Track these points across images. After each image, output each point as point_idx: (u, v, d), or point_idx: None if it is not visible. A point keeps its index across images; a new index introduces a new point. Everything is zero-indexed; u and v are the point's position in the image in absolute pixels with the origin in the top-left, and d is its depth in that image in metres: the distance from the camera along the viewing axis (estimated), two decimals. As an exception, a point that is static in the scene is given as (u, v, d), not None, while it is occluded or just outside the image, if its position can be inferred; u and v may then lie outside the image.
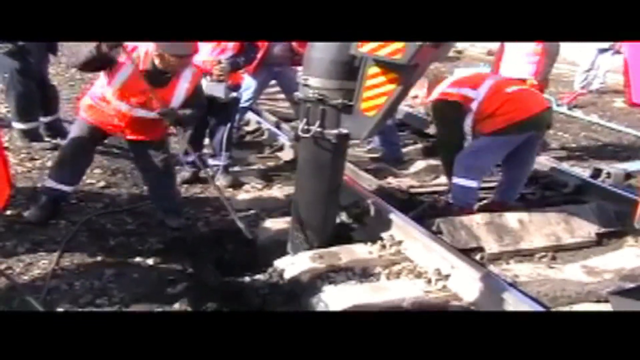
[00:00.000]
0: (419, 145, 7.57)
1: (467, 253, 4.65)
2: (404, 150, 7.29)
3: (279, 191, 5.84)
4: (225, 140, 5.87)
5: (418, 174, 6.59)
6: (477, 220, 4.97)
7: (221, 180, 5.97)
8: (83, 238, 4.34)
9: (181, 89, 4.49)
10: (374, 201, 5.10)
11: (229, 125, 5.90)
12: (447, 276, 4.16)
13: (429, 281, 4.14)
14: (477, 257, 4.78)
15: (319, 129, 4.11)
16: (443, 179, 6.19)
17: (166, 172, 4.79)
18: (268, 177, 6.26)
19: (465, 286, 4.04)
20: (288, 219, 4.76)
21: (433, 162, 6.76)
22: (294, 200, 4.62)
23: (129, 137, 4.63)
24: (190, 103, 4.61)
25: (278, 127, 7.87)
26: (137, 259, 4.20)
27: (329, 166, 4.33)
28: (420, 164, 6.76)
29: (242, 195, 5.70)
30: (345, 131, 4.14)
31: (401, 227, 4.72)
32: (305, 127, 4.14)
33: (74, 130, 4.63)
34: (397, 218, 4.80)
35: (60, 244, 4.16)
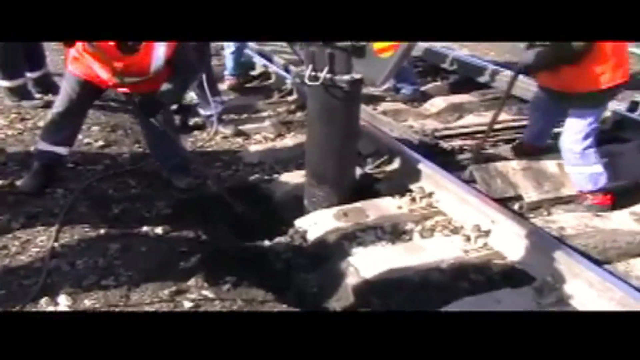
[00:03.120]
0: (438, 83, 7.13)
1: (505, 203, 4.27)
2: (422, 88, 6.83)
3: (292, 140, 5.42)
4: (206, 86, 5.40)
5: (440, 115, 6.15)
6: (513, 166, 4.56)
7: (222, 130, 5.58)
8: (83, 208, 3.90)
9: (158, 52, 3.96)
10: (398, 148, 4.67)
11: (206, 68, 5.45)
12: (487, 232, 3.77)
13: (468, 238, 3.76)
14: (516, 206, 4.40)
15: (328, 75, 3.69)
16: (468, 120, 5.76)
17: (168, 125, 4.34)
18: (279, 125, 5.80)
19: (508, 243, 3.66)
20: (304, 172, 4.35)
21: (454, 100, 6.34)
22: (307, 154, 4.23)
23: (121, 90, 4.16)
24: (175, 64, 4.12)
25: (286, 69, 7.33)
26: (144, 228, 3.77)
27: (342, 115, 3.92)
28: (440, 103, 6.30)
29: (253, 147, 5.27)
30: (358, 76, 3.73)
31: (431, 176, 4.33)
32: (312, 73, 3.73)
33: (63, 85, 4.17)
34: (425, 167, 4.40)
35: (58, 216, 3.73)
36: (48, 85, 5.73)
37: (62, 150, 4.19)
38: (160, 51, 3.93)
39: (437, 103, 6.30)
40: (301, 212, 4.24)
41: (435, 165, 4.46)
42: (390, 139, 4.93)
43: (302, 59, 4.00)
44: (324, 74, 3.67)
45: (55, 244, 3.47)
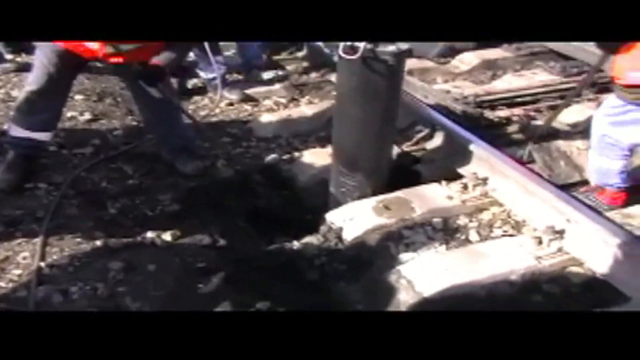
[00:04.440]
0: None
1: (567, 189, 3.66)
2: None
3: (308, 107, 4.70)
4: (207, 45, 4.49)
5: (471, 73, 5.44)
6: (578, 146, 3.89)
7: (227, 95, 4.84)
8: (72, 208, 3.17)
9: None
10: (440, 121, 3.99)
11: None
12: (561, 232, 3.11)
13: (539, 241, 3.09)
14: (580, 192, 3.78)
15: (369, 47, 3.02)
16: (508, 82, 5.06)
17: (167, 100, 3.59)
18: (291, 88, 5.05)
19: (587, 247, 3.02)
20: (330, 149, 3.71)
21: (487, 55, 5.64)
22: (335, 137, 3.54)
23: (112, 60, 3.36)
24: None
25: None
26: (149, 234, 3.07)
27: (383, 94, 3.23)
28: (471, 59, 5.59)
29: (265, 116, 4.52)
30: (405, 46, 3.10)
31: (484, 158, 3.64)
32: (349, 44, 3.05)
33: (37, 57, 3.35)
34: (477, 146, 3.70)
35: (42, 222, 3.01)
36: (21, 43, 4.91)
37: (41, 136, 3.42)
38: None
39: (468, 59, 5.58)
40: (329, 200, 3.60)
41: (487, 143, 3.77)
42: (428, 110, 4.21)
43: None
44: (363, 45, 2.99)
45: (42, 264, 2.76)
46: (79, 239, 2.94)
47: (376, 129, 3.32)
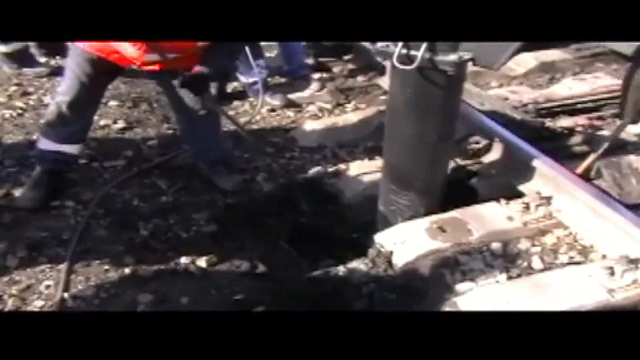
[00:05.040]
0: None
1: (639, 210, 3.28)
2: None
3: (355, 113, 4.42)
4: (248, 47, 4.10)
5: (528, 76, 5.09)
6: (651, 162, 3.56)
7: (269, 101, 4.58)
8: (101, 230, 2.97)
9: None
10: (499, 133, 3.68)
11: None
12: (636, 262, 2.79)
13: (612, 272, 2.78)
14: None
15: (427, 56, 2.69)
16: (568, 87, 4.71)
17: (207, 109, 3.34)
18: (337, 92, 4.78)
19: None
20: (378, 161, 3.48)
21: (544, 57, 5.27)
22: (386, 152, 3.24)
23: (148, 68, 3.13)
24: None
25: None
26: (183, 260, 2.86)
27: (440, 106, 2.92)
28: (528, 61, 5.22)
29: (309, 124, 4.26)
30: (467, 56, 2.76)
31: (547, 175, 3.31)
32: (404, 52, 2.73)
33: (69, 66, 3.14)
34: (540, 162, 3.38)
35: (68, 245, 2.80)
36: (55, 46, 4.70)
37: (71, 149, 3.23)
38: None
39: (525, 61, 5.21)
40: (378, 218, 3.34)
41: (550, 158, 3.46)
42: (485, 119, 3.90)
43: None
44: (421, 54, 2.65)
45: (66, 295, 2.55)
46: (106, 266, 2.74)
47: (432, 145, 3.02)
